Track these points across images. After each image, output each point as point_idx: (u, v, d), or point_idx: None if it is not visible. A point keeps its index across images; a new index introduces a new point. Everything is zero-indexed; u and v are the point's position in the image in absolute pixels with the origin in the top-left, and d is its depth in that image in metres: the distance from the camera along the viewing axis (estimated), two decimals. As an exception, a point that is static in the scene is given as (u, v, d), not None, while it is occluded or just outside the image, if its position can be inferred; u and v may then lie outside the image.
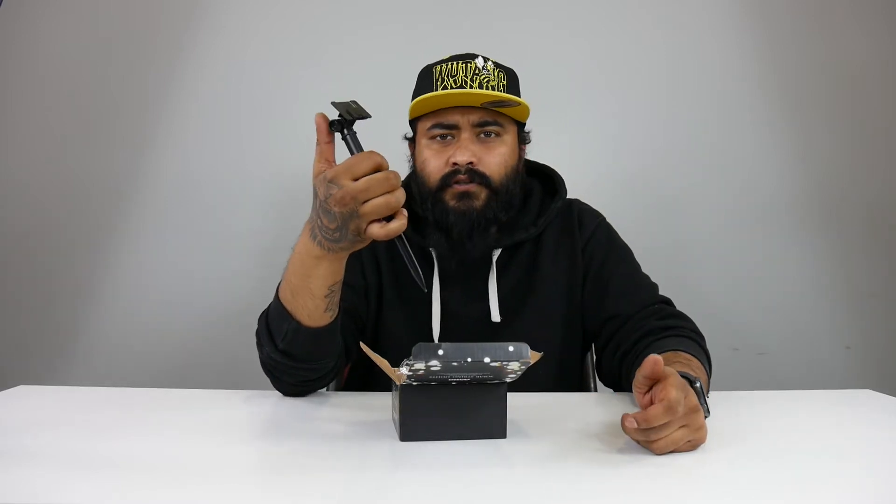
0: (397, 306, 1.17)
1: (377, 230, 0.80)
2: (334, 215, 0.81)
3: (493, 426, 0.81)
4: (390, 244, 1.18)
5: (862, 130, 1.86)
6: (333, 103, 0.83)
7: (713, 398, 1.05)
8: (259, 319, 1.02)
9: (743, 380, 1.82)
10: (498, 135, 1.12)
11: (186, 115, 1.80)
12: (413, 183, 1.18)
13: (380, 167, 0.80)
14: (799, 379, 1.84)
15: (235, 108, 1.80)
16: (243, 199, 1.81)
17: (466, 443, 0.79)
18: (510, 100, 1.08)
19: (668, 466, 0.73)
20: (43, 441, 0.79)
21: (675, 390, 0.74)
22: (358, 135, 0.85)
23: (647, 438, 0.74)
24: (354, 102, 0.82)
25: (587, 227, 1.21)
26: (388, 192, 0.79)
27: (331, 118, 0.86)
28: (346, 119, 0.82)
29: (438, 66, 1.13)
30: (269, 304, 1.00)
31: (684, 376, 0.82)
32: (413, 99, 1.15)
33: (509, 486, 0.67)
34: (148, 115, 1.79)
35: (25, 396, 1.02)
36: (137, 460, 0.73)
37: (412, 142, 1.20)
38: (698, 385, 0.82)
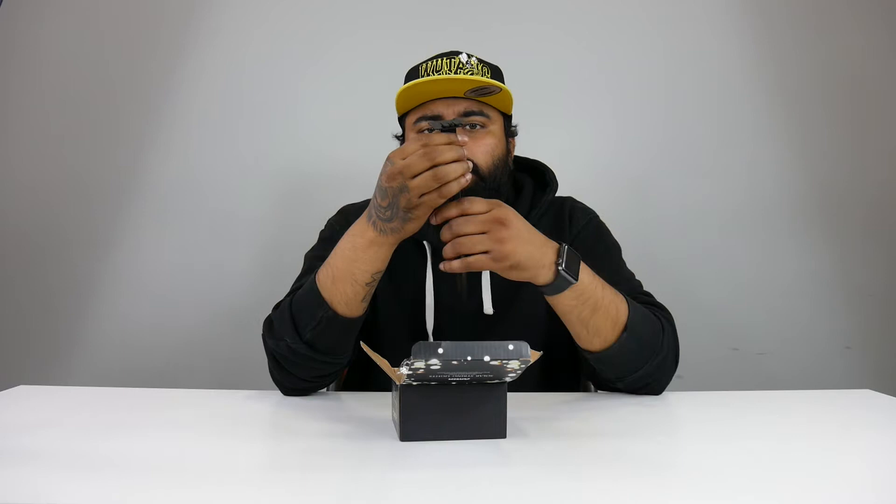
0: (391, 301, 1.17)
1: (431, 196, 0.87)
2: (385, 191, 0.89)
3: (493, 426, 0.81)
4: None
5: (862, 130, 1.86)
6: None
7: (713, 398, 1.05)
8: (276, 310, 1.03)
9: (743, 380, 1.82)
10: (484, 125, 1.13)
11: (186, 115, 1.80)
12: None
13: (426, 145, 0.86)
14: (799, 379, 1.84)
15: (236, 107, 1.80)
16: (244, 199, 1.81)
17: (466, 443, 0.79)
18: (492, 84, 1.08)
19: (668, 466, 0.73)
20: (43, 441, 0.79)
21: (478, 200, 0.88)
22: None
23: (445, 238, 0.87)
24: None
25: (578, 222, 1.22)
26: (434, 167, 0.86)
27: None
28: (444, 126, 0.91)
29: (424, 64, 1.14)
30: (292, 295, 1.02)
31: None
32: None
33: (509, 486, 0.67)
34: (148, 114, 1.79)
35: (25, 396, 1.02)
36: (137, 460, 0.73)
37: (402, 139, 1.21)
38: (567, 246, 0.92)
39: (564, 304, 0.96)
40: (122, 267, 1.80)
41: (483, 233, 0.88)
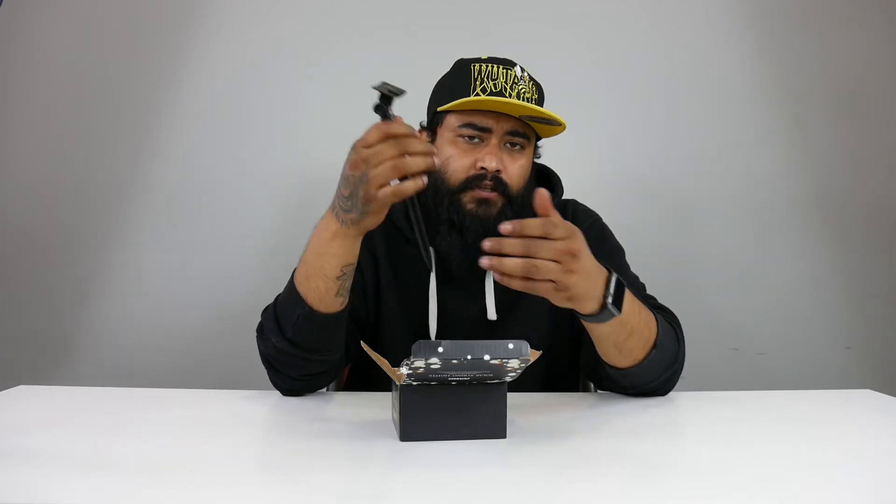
0: (395, 305, 1.17)
1: (385, 191, 0.85)
2: (347, 180, 0.88)
3: (493, 426, 0.81)
4: (390, 243, 1.18)
5: (862, 130, 1.86)
6: (375, 87, 0.87)
7: (713, 398, 1.05)
8: (264, 311, 1.03)
9: (743, 380, 1.82)
10: (523, 147, 1.12)
11: (187, 116, 1.79)
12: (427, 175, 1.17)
13: (391, 135, 0.84)
14: (799, 379, 1.84)
15: (236, 108, 1.80)
16: (244, 199, 1.80)
17: (466, 443, 0.79)
18: (554, 119, 1.07)
19: (667, 466, 0.73)
20: (43, 441, 0.79)
21: (560, 220, 0.82)
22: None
23: (517, 252, 0.80)
24: (385, 86, 0.86)
25: (581, 224, 1.20)
26: (398, 157, 0.83)
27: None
28: (381, 105, 0.86)
29: (477, 65, 1.11)
30: (277, 296, 1.02)
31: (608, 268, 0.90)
32: (441, 86, 1.14)
33: (509, 486, 0.67)
34: (149, 114, 1.79)
35: (25, 396, 1.02)
36: (137, 460, 0.73)
37: (430, 132, 1.17)
38: (615, 276, 0.89)
39: (602, 330, 0.94)
40: (122, 267, 1.80)
41: (555, 261, 0.82)
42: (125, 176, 1.79)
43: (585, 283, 0.86)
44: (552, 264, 0.82)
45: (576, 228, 0.85)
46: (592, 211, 1.26)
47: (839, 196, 1.86)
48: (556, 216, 0.83)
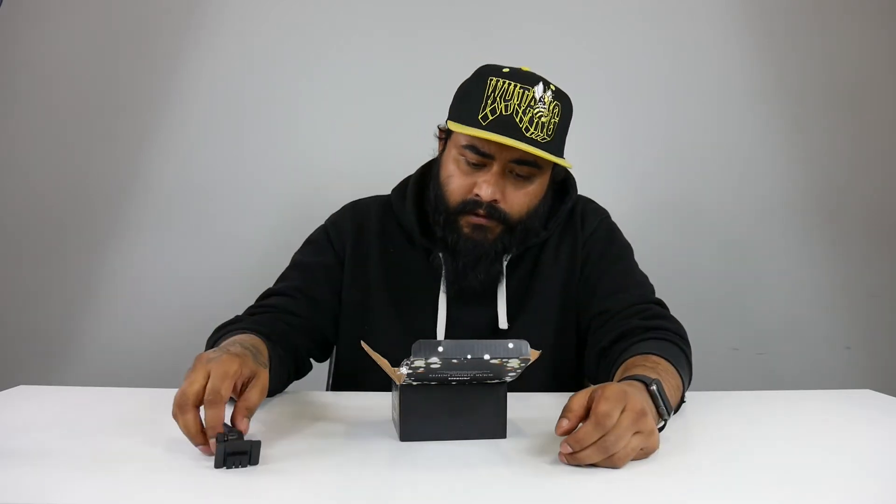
0: (393, 318, 1.15)
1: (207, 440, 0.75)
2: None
3: (493, 426, 0.81)
4: (393, 247, 1.18)
5: (862, 130, 1.86)
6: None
7: (711, 398, 1.05)
8: (219, 327, 1.07)
9: (743, 380, 1.82)
10: (532, 175, 1.08)
11: (188, 115, 1.79)
12: (432, 182, 1.14)
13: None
14: (799, 379, 1.84)
15: (237, 107, 1.80)
16: (243, 201, 1.80)
17: (466, 443, 0.79)
18: (558, 163, 1.05)
19: (667, 466, 0.73)
20: (43, 441, 0.79)
21: (604, 403, 0.70)
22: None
23: (602, 455, 0.69)
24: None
25: (590, 224, 1.19)
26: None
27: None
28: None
29: (494, 80, 1.04)
30: (254, 306, 1.02)
31: (640, 379, 0.80)
32: (459, 93, 1.10)
33: (509, 486, 0.67)
34: (148, 116, 1.79)
35: (25, 396, 1.02)
36: (137, 460, 0.73)
37: (443, 140, 1.15)
38: (654, 388, 0.79)
39: None
40: (122, 267, 1.80)
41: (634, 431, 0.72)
42: (125, 176, 1.80)
43: (652, 422, 0.75)
44: (634, 440, 0.71)
45: (618, 392, 0.72)
46: (601, 209, 1.24)
47: (839, 196, 1.86)
48: (603, 398, 0.71)
